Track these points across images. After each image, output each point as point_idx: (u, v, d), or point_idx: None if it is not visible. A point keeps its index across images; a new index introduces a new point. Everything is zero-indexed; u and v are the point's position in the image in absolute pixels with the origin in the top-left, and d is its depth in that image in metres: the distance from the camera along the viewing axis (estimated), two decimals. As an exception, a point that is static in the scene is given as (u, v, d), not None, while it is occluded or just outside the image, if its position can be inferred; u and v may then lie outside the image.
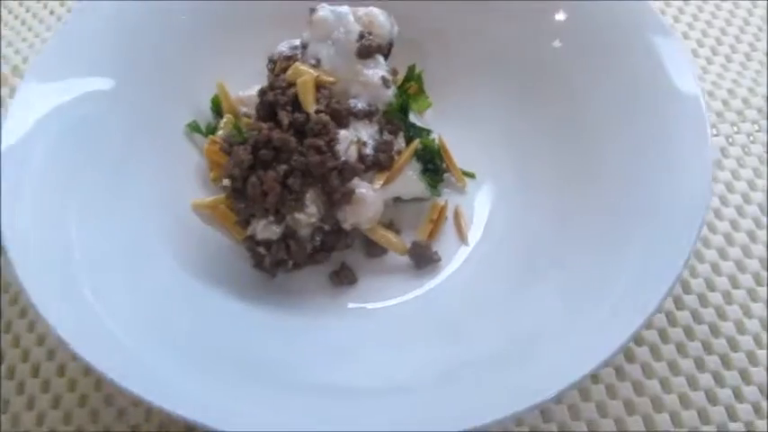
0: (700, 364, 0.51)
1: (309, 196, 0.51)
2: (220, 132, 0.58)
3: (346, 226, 0.54)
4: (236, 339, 0.49)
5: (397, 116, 0.55)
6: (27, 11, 0.72)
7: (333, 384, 0.47)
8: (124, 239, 0.51)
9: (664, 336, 0.52)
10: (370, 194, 0.53)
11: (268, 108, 0.53)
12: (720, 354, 0.52)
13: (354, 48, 0.54)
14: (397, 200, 0.56)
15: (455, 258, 0.55)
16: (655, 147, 0.50)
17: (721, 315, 0.53)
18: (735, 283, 0.54)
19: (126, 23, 0.57)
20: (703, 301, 0.54)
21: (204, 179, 0.58)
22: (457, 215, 0.56)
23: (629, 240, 0.48)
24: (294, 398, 0.46)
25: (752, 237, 0.56)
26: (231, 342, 0.49)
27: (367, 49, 0.54)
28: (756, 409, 0.50)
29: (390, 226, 0.56)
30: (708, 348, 0.52)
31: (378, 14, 0.55)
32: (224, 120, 0.58)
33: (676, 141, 0.49)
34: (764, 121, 0.62)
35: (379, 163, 0.54)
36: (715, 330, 0.53)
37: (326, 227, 0.54)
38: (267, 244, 0.53)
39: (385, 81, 0.54)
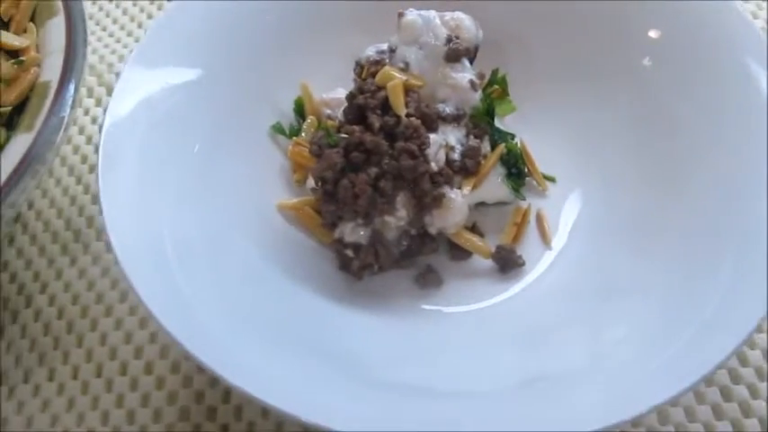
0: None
1: (400, 199, 0.52)
2: (303, 134, 0.58)
3: (432, 230, 0.54)
4: (314, 331, 0.50)
5: (483, 120, 0.55)
6: (124, 13, 0.73)
7: (405, 384, 0.48)
8: (211, 232, 0.52)
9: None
10: (458, 199, 0.53)
11: (357, 111, 0.53)
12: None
13: (442, 51, 0.54)
14: (481, 204, 0.56)
15: (539, 263, 0.55)
16: (747, 168, 0.50)
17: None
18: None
19: (217, 21, 0.57)
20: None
21: (287, 180, 0.58)
22: (539, 219, 0.56)
23: (718, 262, 0.48)
24: (366, 392, 0.46)
25: None
26: (311, 333, 0.50)
27: (455, 53, 0.54)
28: None
29: (474, 229, 0.56)
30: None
31: (464, 19, 0.56)
32: (307, 122, 0.59)
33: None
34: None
35: (466, 168, 0.54)
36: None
37: (413, 231, 0.54)
38: (355, 247, 0.53)
39: (473, 84, 0.54)
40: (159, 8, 0.72)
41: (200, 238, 0.51)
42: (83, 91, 0.67)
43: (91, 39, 0.70)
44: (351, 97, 0.53)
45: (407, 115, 0.52)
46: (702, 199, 0.52)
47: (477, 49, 0.56)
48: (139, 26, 0.71)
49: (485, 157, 0.55)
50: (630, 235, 0.53)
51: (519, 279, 0.54)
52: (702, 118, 0.54)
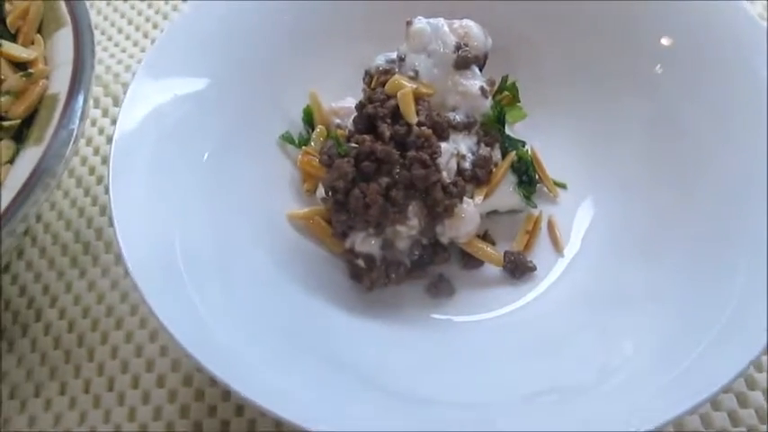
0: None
1: (411, 209, 0.52)
2: (312, 144, 0.58)
3: (444, 240, 0.54)
4: (325, 341, 0.50)
5: (494, 127, 0.55)
6: (129, 23, 0.73)
7: (416, 394, 0.48)
8: (222, 242, 0.52)
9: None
10: (470, 209, 0.53)
11: (367, 121, 0.53)
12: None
13: (451, 59, 0.54)
14: (492, 212, 0.56)
15: (552, 271, 0.55)
16: (760, 179, 0.50)
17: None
18: None
19: (225, 31, 0.58)
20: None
21: (297, 189, 0.58)
22: (551, 226, 0.56)
23: (732, 269, 0.47)
24: (379, 403, 0.46)
25: None
26: (323, 344, 0.50)
27: (464, 60, 0.54)
28: None
29: (485, 237, 0.56)
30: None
31: (472, 26, 0.55)
32: (316, 131, 0.58)
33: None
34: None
35: (477, 178, 0.54)
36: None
37: (425, 240, 0.54)
38: (367, 258, 0.53)
39: (483, 91, 0.54)
40: (165, 17, 0.72)
41: (211, 248, 0.51)
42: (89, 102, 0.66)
43: (96, 49, 0.69)
44: (360, 107, 0.53)
45: (418, 124, 0.52)
46: (715, 205, 0.51)
47: (486, 56, 0.56)
48: (145, 36, 0.71)
49: (496, 165, 0.55)
50: (643, 242, 0.53)
51: (531, 287, 0.54)
52: (713, 123, 0.53)
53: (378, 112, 0.52)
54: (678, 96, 0.56)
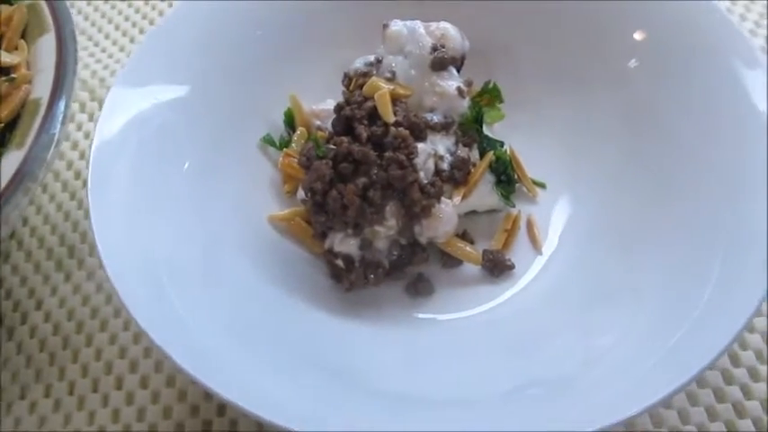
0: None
1: (389, 209, 0.52)
2: (294, 146, 0.58)
3: (422, 240, 0.54)
4: (308, 344, 0.50)
5: (472, 128, 0.56)
6: (116, 28, 0.74)
7: (401, 393, 0.48)
8: (203, 247, 0.52)
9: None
10: (447, 209, 0.53)
11: (345, 123, 0.53)
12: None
13: (428, 60, 0.55)
14: (471, 212, 0.57)
15: (530, 269, 0.55)
16: (735, 171, 0.50)
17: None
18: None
19: (205, 37, 0.58)
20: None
21: (278, 191, 0.58)
22: (530, 225, 0.57)
23: (707, 264, 0.48)
24: (362, 404, 0.46)
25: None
26: (305, 345, 0.50)
27: (441, 61, 0.54)
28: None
29: (464, 236, 0.56)
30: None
31: (449, 28, 0.56)
32: (297, 133, 0.59)
33: (758, 166, 0.49)
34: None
35: (455, 179, 0.54)
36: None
37: (404, 240, 0.54)
38: (346, 258, 0.53)
39: (460, 91, 0.55)
40: (151, 23, 0.73)
41: (192, 253, 0.51)
42: (75, 106, 0.67)
43: (82, 54, 0.71)
44: (338, 109, 0.54)
45: (396, 125, 0.52)
46: (692, 199, 0.52)
47: (464, 57, 0.56)
48: (131, 41, 0.72)
49: (474, 165, 0.55)
50: (620, 238, 0.54)
51: (511, 285, 0.55)
52: (690, 119, 0.54)
53: (355, 113, 0.53)
54: (653, 92, 0.56)
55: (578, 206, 0.57)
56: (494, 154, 0.56)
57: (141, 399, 0.53)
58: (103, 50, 0.72)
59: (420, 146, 0.53)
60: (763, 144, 0.49)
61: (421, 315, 0.54)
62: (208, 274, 0.51)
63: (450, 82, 0.55)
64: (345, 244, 0.53)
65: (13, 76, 0.53)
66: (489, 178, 0.56)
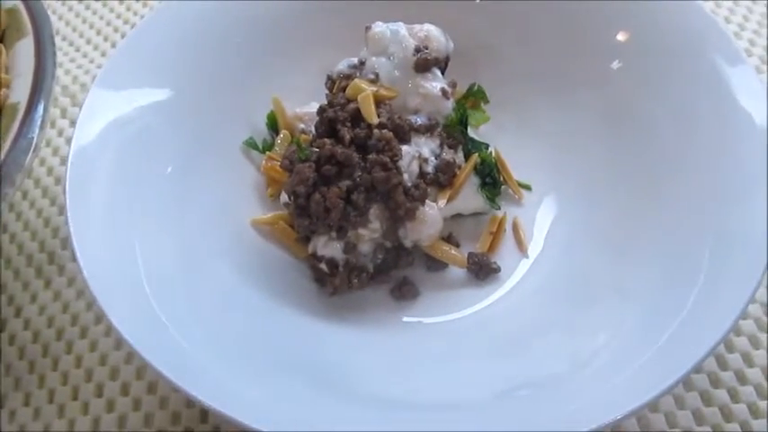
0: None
1: (373, 212, 0.52)
2: (276, 149, 0.58)
3: (407, 243, 0.54)
4: (294, 349, 0.50)
5: (456, 129, 0.55)
6: (98, 33, 0.73)
7: (388, 398, 0.47)
8: (186, 252, 0.52)
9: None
10: (432, 212, 0.53)
11: (328, 125, 0.53)
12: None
13: (411, 62, 0.54)
14: (457, 215, 0.56)
15: (516, 272, 0.55)
16: (720, 170, 0.50)
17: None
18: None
19: (185, 40, 0.57)
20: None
21: (261, 194, 0.58)
22: (515, 227, 0.56)
23: (694, 264, 0.48)
24: (349, 409, 0.46)
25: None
26: (289, 351, 0.50)
27: (424, 62, 0.54)
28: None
29: (449, 239, 0.56)
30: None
31: (432, 29, 0.56)
32: (280, 136, 0.58)
33: (743, 165, 0.49)
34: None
35: (439, 182, 0.54)
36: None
37: (388, 244, 0.54)
38: (330, 264, 0.53)
39: (445, 92, 0.54)
40: (133, 27, 0.72)
41: (174, 258, 0.51)
42: (56, 112, 0.67)
43: (63, 59, 0.70)
44: (321, 111, 0.53)
45: (380, 126, 0.52)
46: (677, 200, 0.51)
47: (448, 59, 0.56)
48: (113, 46, 0.71)
49: (459, 167, 0.55)
50: (606, 239, 0.53)
51: (497, 287, 0.54)
52: (674, 119, 0.54)
53: (338, 115, 0.52)
54: (637, 92, 0.56)
55: (564, 207, 0.56)
56: (479, 156, 0.56)
57: (122, 406, 0.52)
58: (84, 55, 0.71)
59: (404, 148, 0.52)
60: (748, 143, 0.49)
61: (406, 318, 0.54)
62: (189, 280, 0.51)
63: (435, 83, 0.54)
64: (329, 248, 0.53)
65: (-9, 80, 0.53)
66: (474, 181, 0.56)
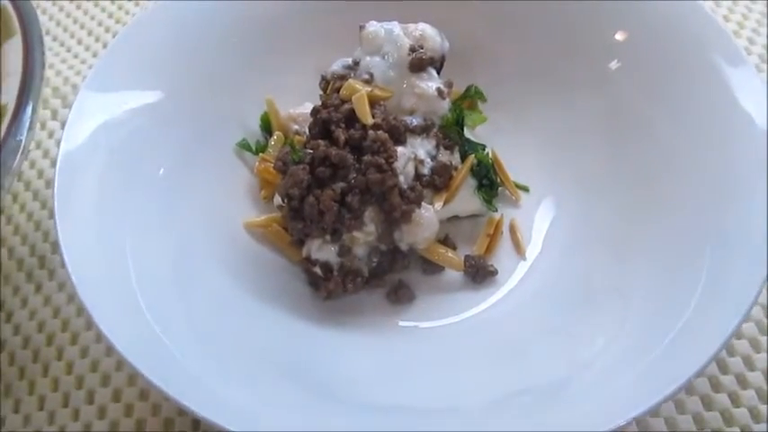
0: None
1: (368, 215, 0.51)
2: (270, 150, 0.57)
3: (403, 246, 0.53)
4: (287, 354, 0.49)
5: (453, 130, 0.54)
6: (89, 34, 0.72)
7: (384, 403, 0.47)
8: (178, 257, 0.51)
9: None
10: (428, 215, 0.52)
11: (322, 126, 0.52)
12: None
13: (406, 61, 0.53)
14: (453, 217, 0.55)
15: (514, 274, 0.54)
16: (721, 172, 0.49)
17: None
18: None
19: (176, 41, 0.57)
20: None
21: (254, 197, 0.57)
22: (513, 229, 0.56)
23: (695, 266, 0.47)
24: (344, 416, 0.45)
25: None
26: (283, 357, 0.49)
27: (419, 62, 0.53)
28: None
29: (446, 242, 0.55)
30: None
31: (427, 29, 0.55)
32: (274, 137, 0.58)
33: (744, 167, 0.48)
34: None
35: (435, 185, 0.53)
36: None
37: (383, 247, 0.53)
38: (324, 266, 0.52)
39: (440, 92, 0.54)
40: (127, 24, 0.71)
41: (166, 262, 0.50)
42: (47, 114, 0.66)
43: (54, 60, 0.69)
44: (315, 112, 0.52)
45: (375, 127, 0.51)
46: (676, 201, 0.51)
47: (443, 58, 0.55)
48: (104, 46, 0.70)
49: (455, 169, 0.54)
50: (605, 242, 0.53)
51: (494, 291, 0.53)
52: (673, 119, 0.53)
53: (332, 116, 0.51)
54: (636, 92, 0.55)
55: (562, 209, 0.56)
56: (475, 157, 0.55)
57: (113, 412, 0.51)
58: (76, 56, 0.70)
59: (400, 149, 0.52)
60: (749, 144, 0.49)
61: (402, 323, 0.53)
62: (181, 284, 0.50)
63: (430, 83, 0.54)
64: (323, 251, 0.52)
65: (-22, 81, 0.52)
66: (471, 182, 0.55)
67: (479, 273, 0.53)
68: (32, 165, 0.63)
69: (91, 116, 0.52)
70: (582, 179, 0.56)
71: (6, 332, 0.55)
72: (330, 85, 0.55)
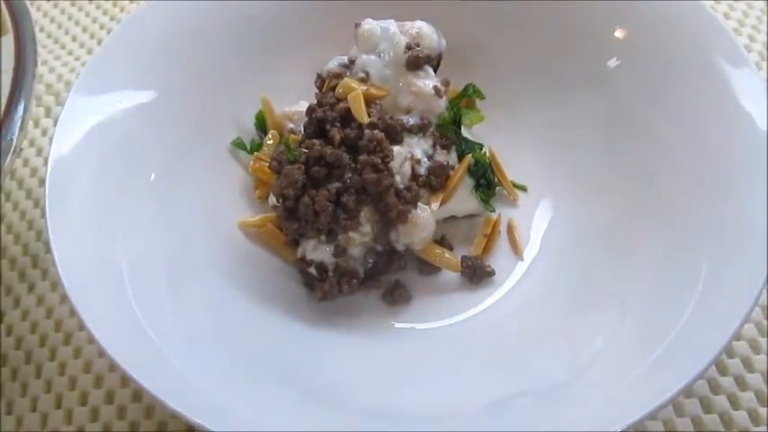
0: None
1: (364, 215, 0.50)
2: (265, 149, 0.56)
3: (399, 246, 0.53)
4: (282, 356, 0.49)
5: (450, 129, 0.54)
6: (84, 30, 0.71)
7: (380, 406, 0.47)
8: (169, 255, 0.50)
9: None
10: (424, 215, 0.51)
11: (317, 125, 0.51)
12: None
13: (403, 59, 0.53)
14: (450, 217, 0.55)
15: (511, 275, 0.53)
16: (721, 172, 0.49)
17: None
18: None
19: (169, 39, 0.56)
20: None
21: (249, 196, 0.57)
22: (510, 229, 0.55)
23: (694, 268, 0.46)
24: (340, 419, 0.45)
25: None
26: (277, 359, 0.48)
27: (416, 60, 0.53)
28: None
29: (443, 242, 0.54)
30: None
31: (424, 27, 0.54)
32: (269, 136, 0.57)
33: (744, 168, 0.48)
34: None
35: (432, 185, 0.53)
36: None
37: (379, 247, 0.52)
38: (319, 268, 0.51)
39: (437, 91, 0.53)
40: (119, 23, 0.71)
41: (159, 263, 0.50)
42: (40, 111, 0.65)
43: (48, 57, 0.69)
44: (310, 111, 0.52)
45: (371, 126, 0.50)
46: (677, 203, 0.50)
47: (440, 56, 0.55)
48: (99, 43, 0.69)
49: (452, 168, 0.54)
50: (604, 242, 0.52)
51: (491, 291, 0.53)
52: (673, 119, 0.53)
53: (327, 115, 0.51)
54: (636, 92, 0.55)
55: (560, 209, 0.55)
56: (473, 157, 0.54)
57: (106, 414, 0.51)
58: (70, 53, 0.69)
59: (396, 149, 0.51)
60: (749, 144, 0.48)
61: (399, 324, 0.53)
62: (174, 285, 0.49)
63: (427, 81, 0.53)
64: (319, 251, 0.51)
65: (-30, 79, 0.51)
66: (468, 182, 0.54)
67: (476, 273, 0.53)
68: (26, 163, 0.63)
69: (83, 115, 0.51)
70: (581, 179, 0.55)
71: (-1, 333, 0.55)
72: (326, 83, 0.54)
